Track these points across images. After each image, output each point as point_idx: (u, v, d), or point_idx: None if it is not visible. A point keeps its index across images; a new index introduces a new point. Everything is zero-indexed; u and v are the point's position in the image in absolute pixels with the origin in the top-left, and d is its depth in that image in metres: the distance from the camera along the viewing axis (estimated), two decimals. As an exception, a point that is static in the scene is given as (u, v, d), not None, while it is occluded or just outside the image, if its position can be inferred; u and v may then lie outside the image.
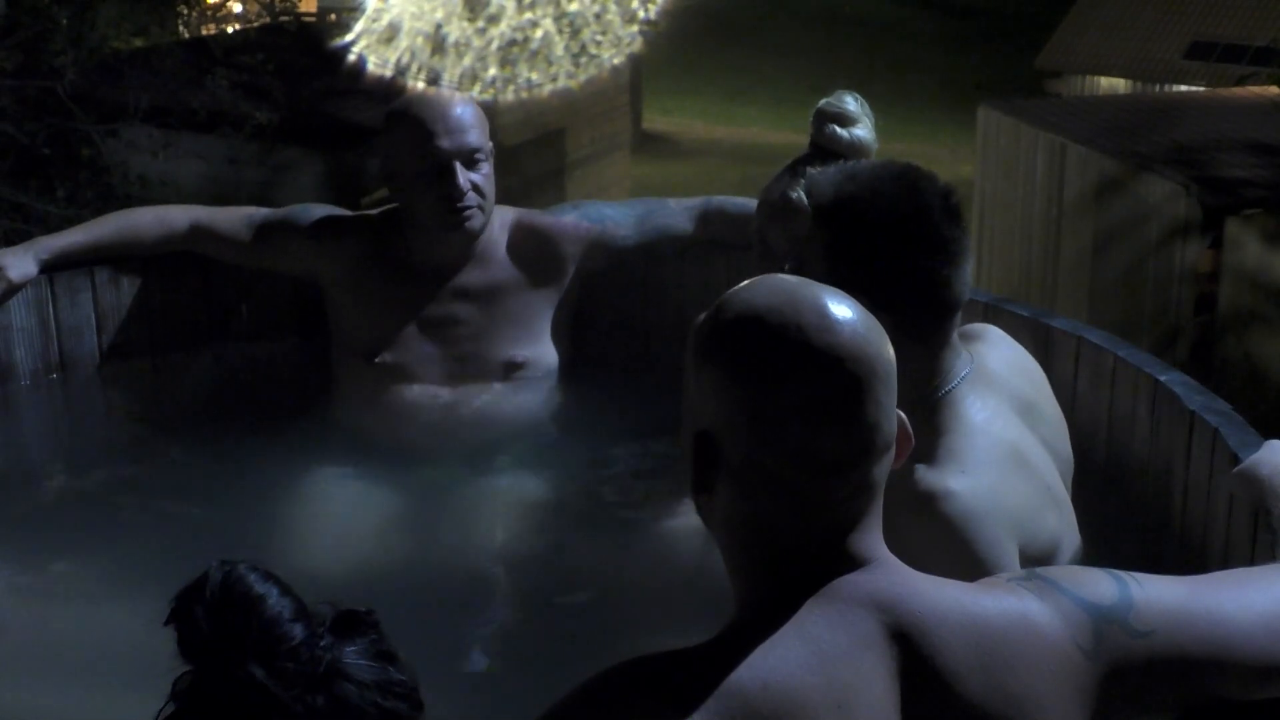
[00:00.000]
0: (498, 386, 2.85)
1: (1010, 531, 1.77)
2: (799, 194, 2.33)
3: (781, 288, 1.35)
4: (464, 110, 2.77)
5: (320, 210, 2.95)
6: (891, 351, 1.34)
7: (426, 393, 2.81)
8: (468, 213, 2.76)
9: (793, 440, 1.29)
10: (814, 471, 1.30)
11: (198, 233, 2.93)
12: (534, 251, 2.89)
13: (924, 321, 1.84)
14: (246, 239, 2.92)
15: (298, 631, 1.14)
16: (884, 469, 1.34)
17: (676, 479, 2.52)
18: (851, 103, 2.38)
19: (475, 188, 2.75)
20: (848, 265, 1.80)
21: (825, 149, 2.35)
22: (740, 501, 1.32)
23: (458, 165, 2.72)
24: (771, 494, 1.31)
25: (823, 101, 2.40)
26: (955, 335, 1.90)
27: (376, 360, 2.82)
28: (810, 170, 2.32)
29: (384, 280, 2.85)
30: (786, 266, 2.02)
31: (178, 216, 2.95)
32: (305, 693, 1.13)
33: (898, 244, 1.82)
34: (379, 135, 2.87)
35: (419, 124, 2.73)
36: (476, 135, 2.76)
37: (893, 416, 1.34)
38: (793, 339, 1.30)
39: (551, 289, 2.90)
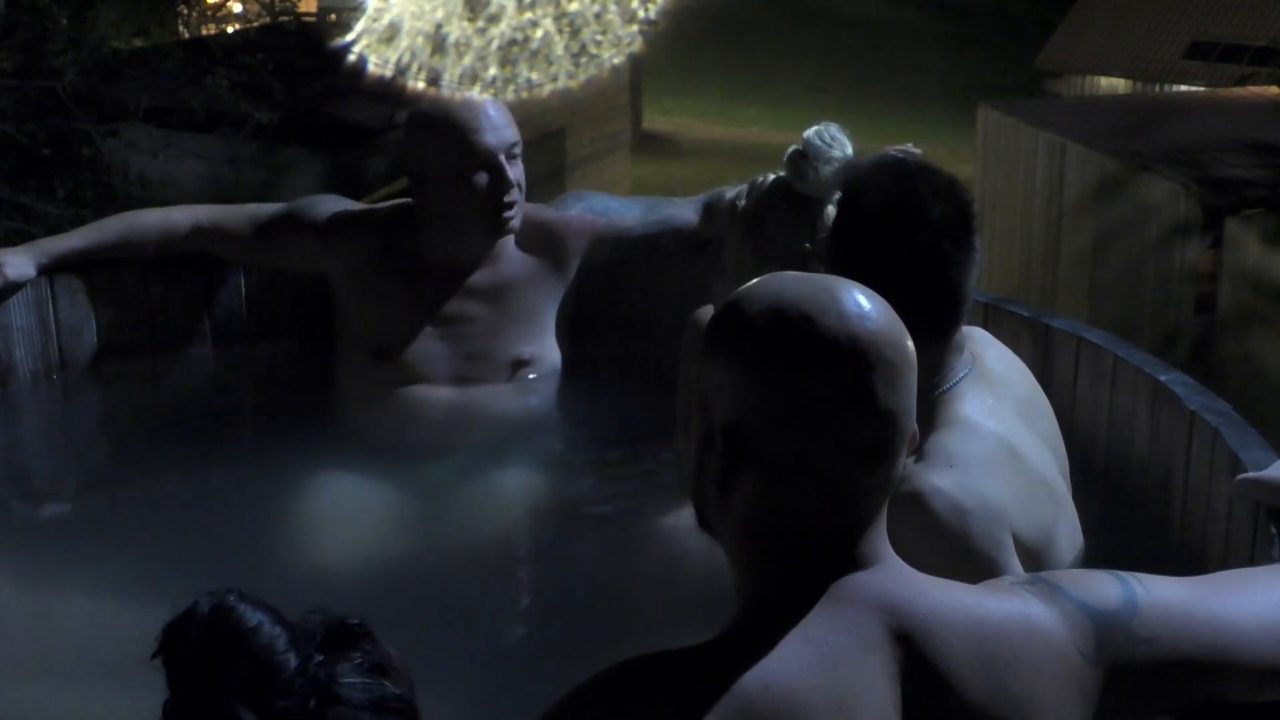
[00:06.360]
0: (504, 384, 2.82)
1: (1002, 524, 1.77)
2: (739, 198, 2.32)
3: (804, 280, 1.36)
4: (496, 108, 2.76)
5: (327, 205, 2.91)
6: (911, 342, 1.35)
7: (433, 391, 2.79)
8: (513, 210, 2.75)
9: (833, 427, 1.29)
10: (852, 459, 1.30)
11: (202, 233, 2.91)
12: (541, 246, 2.87)
13: (921, 319, 1.83)
14: (253, 238, 2.89)
15: (291, 661, 1.11)
16: (904, 462, 1.34)
17: (677, 477, 2.53)
18: (824, 141, 2.24)
19: (517, 183, 2.74)
20: (851, 256, 1.81)
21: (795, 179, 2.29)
22: (767, 496, 1.32)
23: (503, 159, 2.71)
24: (806, 485, 1.30)
25: (808, 133, 2.27)
26: (958, 335, 1.90)
27: (384, 358, 2.79)
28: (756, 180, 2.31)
29: (393, 277, 2.82)
30: (805, 248, 2.00)
31: (181, 218, 2.93)
32: None
33: (896, 239, 1.82)
34: (404, 138, 2.82)
35: (458, 123, 2.71)
36: (513, 130, 2.75)
37: (914, 408, 1.34)
38: (831, 325, 1.30)
39: (558, 282, 2.89)
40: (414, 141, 2.78)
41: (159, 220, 2.93)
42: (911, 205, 1.84)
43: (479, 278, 2.83)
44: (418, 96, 2.95)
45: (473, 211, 2.74)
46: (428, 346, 2.80)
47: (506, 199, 2.73)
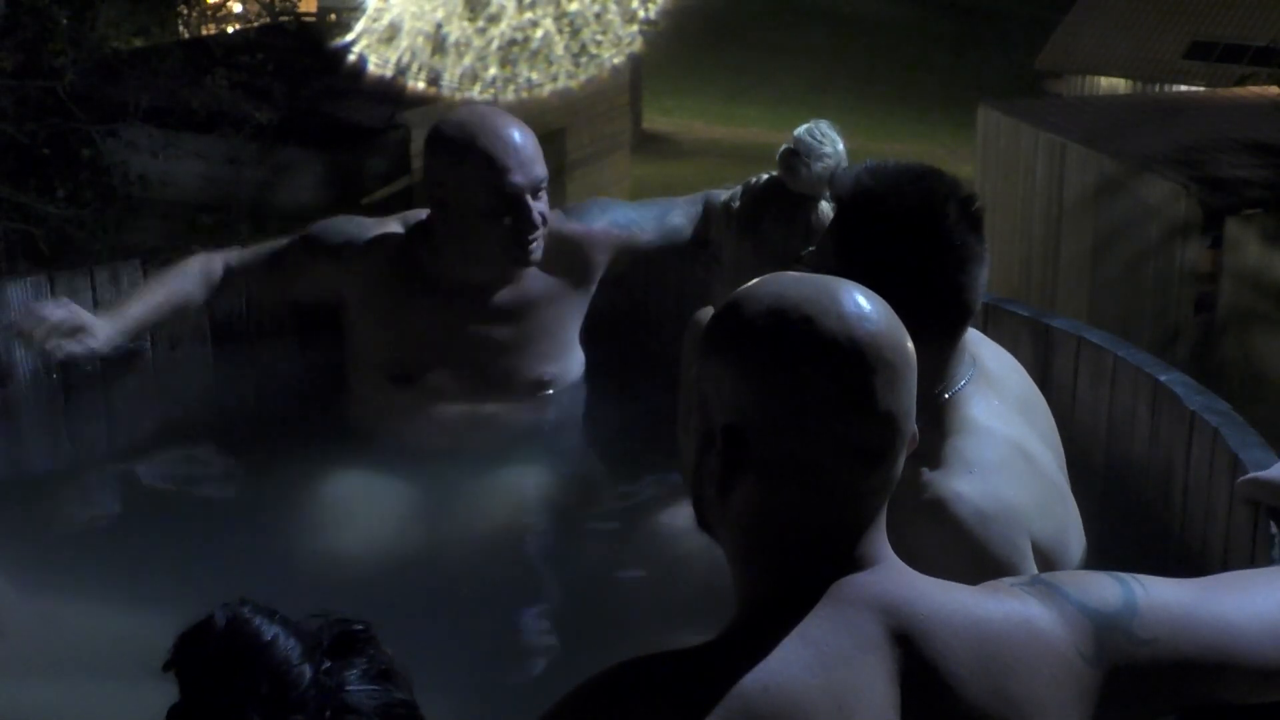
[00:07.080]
0: (524, 404, 2.78)
1: (1022, 529, 1.77)
2: (735, 200, 2.33)
3: (805, 281, 1.36)
4: (525, 138, 2.67)
5: (341, 226, 2.83)
6: (911, 344, 1.35)
7: (452, 412, 2.74)
8: (535, 246, 2.68)
9: (833, 429, 1.29)
10: (852, 460, 1.30)
11: (239, 278, 2.88)
12: (565, 261, 2.80)
13: (929, 323, 1.81)
14: (276, 274, 2.85)
15: (306, 673, 1.11)
16: (903, 464, 1.34)
17: (678, 477, 2.53)
18: (815, 138, 2.27)
19: (542, 218, 2.68)
20: (857, 258, 1.80)
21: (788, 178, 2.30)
22: (766, 497, 1.31)
23: (529, 199, 2.65)
24: (806, 485, 1.30)
25: (799, 131, 2.30)
26: (962, 340, 1.89)
27: (404, 383, 2.74)
28: (755, 180, 2.31)
29: (412, 299, 2.76)
30: (803, 255, 2.01)
31: (218, 270, 2.86)
32: None
33: (905, 243, 1.81)
34: (427, 157, 2.73)
35: (490, 160, 2.63)
36: (542, 165, 2.68)
37: (914, 409, 1.34)
38: (831, 327, 1.30)
39: (580, 297, 2.84)
40: (439, 166, 2.69)
41: (202, 277, 2.86)
42: (926, 209, 1.83)
43: (501, 297, 2.76)
44: (441, 110, 2.85)
45: (493, 245, 2.68)
46: (448, 370, 2.74)
47: (530, 237, 2.67)
